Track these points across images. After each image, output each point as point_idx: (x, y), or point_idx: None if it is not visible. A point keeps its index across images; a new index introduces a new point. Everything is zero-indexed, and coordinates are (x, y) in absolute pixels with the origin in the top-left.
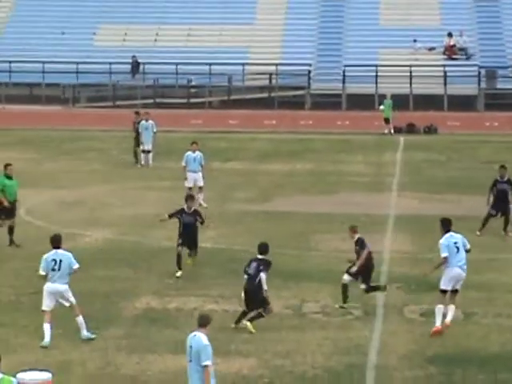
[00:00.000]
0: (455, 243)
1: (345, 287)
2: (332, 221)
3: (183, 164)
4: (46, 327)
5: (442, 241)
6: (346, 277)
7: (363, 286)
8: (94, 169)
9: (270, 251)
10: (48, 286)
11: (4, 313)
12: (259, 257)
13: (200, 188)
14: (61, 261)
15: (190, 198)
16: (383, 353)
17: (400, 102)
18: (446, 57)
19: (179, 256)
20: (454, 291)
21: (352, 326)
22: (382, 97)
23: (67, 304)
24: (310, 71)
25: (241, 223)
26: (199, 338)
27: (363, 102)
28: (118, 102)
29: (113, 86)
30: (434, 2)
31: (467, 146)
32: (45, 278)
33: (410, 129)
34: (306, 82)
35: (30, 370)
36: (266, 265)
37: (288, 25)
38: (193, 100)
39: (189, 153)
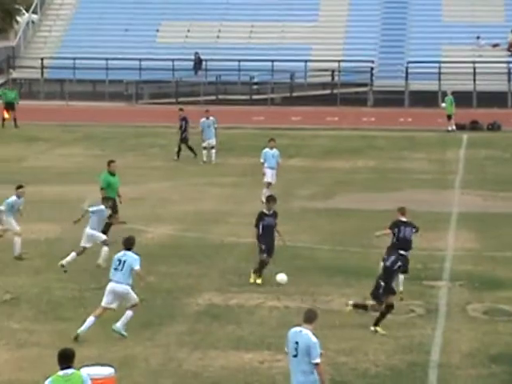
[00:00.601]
0: None
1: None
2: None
3: (261, 160)
4: (90, 319)
5: None
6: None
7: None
8: (156, 165)
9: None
10: (109, 285)
11: (68, 308)
12: (401, 252)
13: (270, 184)
14: (125, 261)
15: (271, 199)
16: (446, 351)
17: (463, 98)
18: (510, 53)
19: (263, 263)
20: None
21: (414, 324)
22: (446, 94)
23: (128, 304)
24: (372, 68)
25: (304, 220)
26: (307, 335)
27: (426, 99)
28: (180, 99)
29: (175, 83)
30: None
31: None
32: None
33: (474, 126)
34: (368, 79)
35: (94, 364)
36: (404, 262)
37: (351, 21)
38: (255, 97)
39: (267, 149)
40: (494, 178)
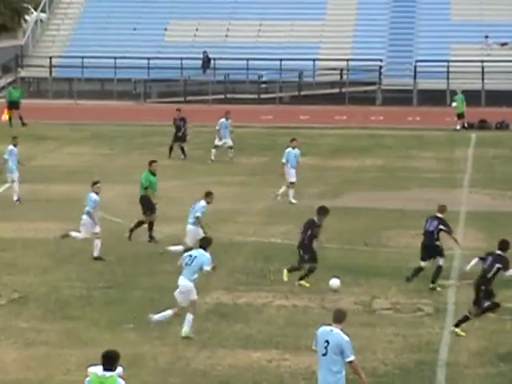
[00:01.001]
0: None
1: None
2: (403, 217)
3: (283, 161)
4: (167, 312)
5: None
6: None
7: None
8: (164, 164)
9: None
10: (179, 279)
11: (75, 307)
12: (497, 252)
13: (291, 183)
14: (195, 257)
15: (326, 211)
16: (454, 350)
17: (472, 97)
18: None
19: (297, 269)
20: None
21: (423, 323)
22: (454, 93)
23: (184, 304)
24: (381, 67)
25: None
26: (339, 335)
27: (434, 98)
28: (188, 98)
29: (184, 82)
30: None
31: None
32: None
33: (482, 125)
34: (376, 78)
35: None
36: (503, 261)
37: (359, 20)
38: (263, 95)
39: (289, 149)
40: (502, 177)
